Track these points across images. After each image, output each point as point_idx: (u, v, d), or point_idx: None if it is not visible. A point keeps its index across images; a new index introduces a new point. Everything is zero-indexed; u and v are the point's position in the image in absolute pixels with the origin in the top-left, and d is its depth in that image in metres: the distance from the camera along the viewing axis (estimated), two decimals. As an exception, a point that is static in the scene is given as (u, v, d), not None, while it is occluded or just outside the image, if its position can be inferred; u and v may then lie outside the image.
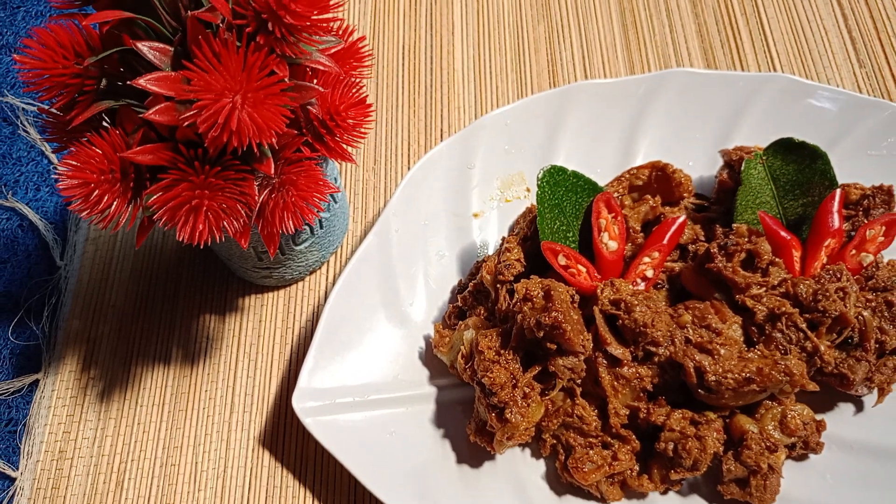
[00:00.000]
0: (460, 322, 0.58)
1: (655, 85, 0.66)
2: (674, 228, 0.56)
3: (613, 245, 0.56)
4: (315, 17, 0.43)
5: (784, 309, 0.52)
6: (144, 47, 0.44)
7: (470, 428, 0.54)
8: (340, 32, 0.52)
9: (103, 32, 0.45)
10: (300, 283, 0.66)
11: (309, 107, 0.48)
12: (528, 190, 0.65)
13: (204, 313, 0.66)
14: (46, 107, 0.47)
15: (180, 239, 0.44)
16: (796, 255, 0.56)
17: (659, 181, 0.60)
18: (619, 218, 0.57)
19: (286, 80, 0.43)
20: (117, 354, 0.64)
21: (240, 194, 0.45)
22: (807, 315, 0.52)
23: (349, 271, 0.59)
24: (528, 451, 0.56)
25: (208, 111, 0.40)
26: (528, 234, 0.57)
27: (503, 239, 0.58)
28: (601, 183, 0.63)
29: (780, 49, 0.74)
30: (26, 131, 0.74)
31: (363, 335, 0.59)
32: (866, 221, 0.57)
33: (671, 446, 0.52)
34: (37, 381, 0.64)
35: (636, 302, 0.52)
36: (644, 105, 0.66)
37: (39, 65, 0.44)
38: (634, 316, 0.51)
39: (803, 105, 0.64)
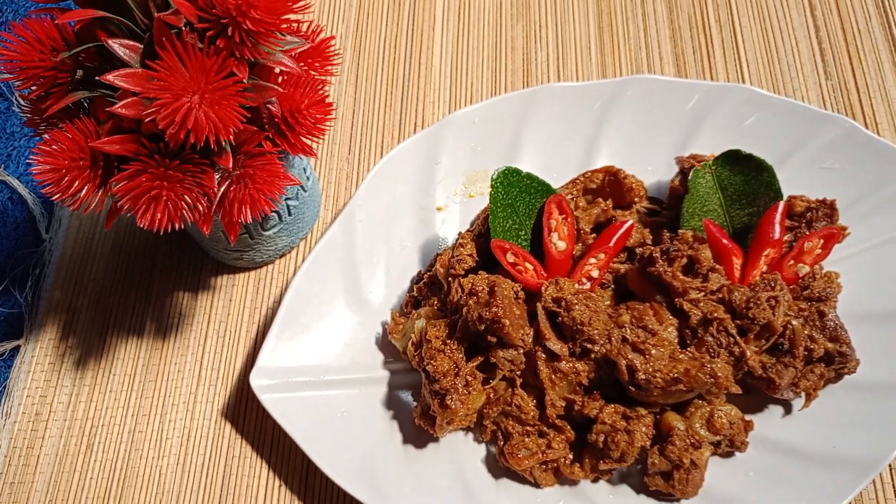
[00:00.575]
0: (414, 311, 0.61)
1: (620, 90, 0.68)
2: (621, 232, 0.59)
3: (562, 245, 0.59)
4: (275, 21, 0.46)
5: (716, 314, 0.55)
6: (115, 44, 0.47)
7: (416, 411, 0.58)
8: (308, 32, 0.55)
9: (77, 28, 0.48)
10: (270, 266, 0.70)
11: (269, 105, 0.51)
12: (492, 186, 0.68)
13: (178, 290, 0.69)
14: (27, 94, 0.51)
15: (141, 225, 0.47)
16: (737, 262, 0.58)
17: (612, 185, 0.63)
18: (569, 219, 0.59)
19: (245, 81, 0.46)
20: (94, 325, 0.68)
21: (198, 186, 0.48)
22: (738, 321, 0.55)
23: (312, 258, 0.62)
24: (470, 435, 0.60)
25: (166, 109, 0.43)
26: (482, 231, 0.60)
27: (459, 234, 0.61)
28: (562, 184, 0.65)
29: (749, 58, 0.76)
30: (20, 107, 0.77)
31: (323, 319, 0.62)
32: (808, 233, 0.59)
33: (602, 438, 0.55)
34: (18, 347, 0.68)
35: (576, 301, 0.55)
36: (608, 109, 0.68)
37: (16, 56, 0.47)
38: (573, 314, 0.54)
39: (762, 116, 0.66)
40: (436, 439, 0.59)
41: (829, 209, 0.60)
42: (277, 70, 0.52)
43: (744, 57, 0.76)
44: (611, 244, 0.58)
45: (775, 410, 0.59)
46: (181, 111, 0.44)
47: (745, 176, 0.60)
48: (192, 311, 0.68)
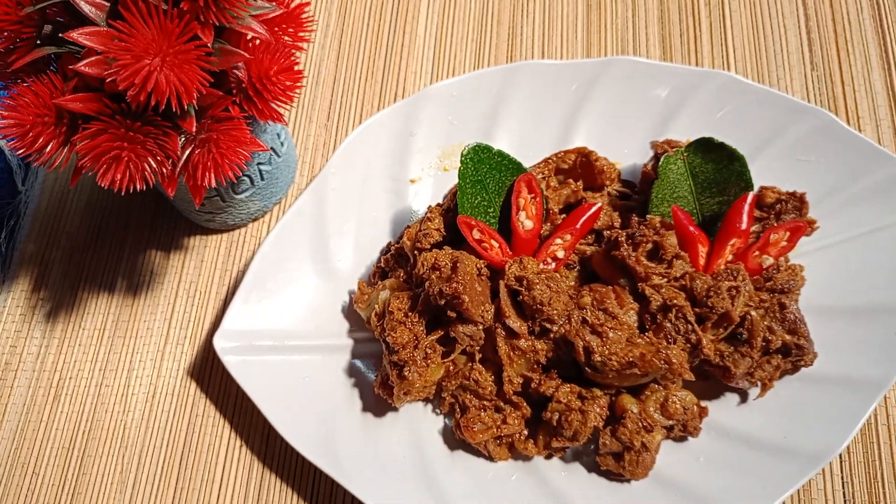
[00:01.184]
0: (380, 282, 0.61)
1: (601, 70, 0.67)
2: (588, 214, 0.59)
3: (529, 224, 0.59)
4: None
5: (676, 301, 0.55)
6: (81, 1, 0.47)
7: (376, 381, 0.59)
8: (281, -2, 0.54)
9: (44, -18, 0.48)
10: (243, 230, 0.70)
11: (236, 70, 0.51)
12: (468, 161, 0.68)
13: (150, 249, 0.69)
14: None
15: (101, 184, 0.47)
16: (703, 250, 0.58)
17: (583, 167, 0.63)
18: (538, 199, 0.59)
19: (209, 45, 0.46)
20: (67, 279, 0.69)
21: (161, 148, 0.48)
22: (697, 309, 0.55)
23: (282, 224, 0.62)
24: (429, 407, 0.60)
25: (127, 70, 0.43)
26: (451, 206, 0.60)
27: (428, 208, 0.61)
28: (536, 163, 0.65)
29: (737, 44, 0.75)
30: (2, 56, 0.77)
31: (290, 285, 0.62)
32: (775, 225, 0.60)
33: (556, 416, 0.56)
34: (-10, 297, 0.68)
35: (538, 281, 0.55)
36: (588, 89, 0.68)
37: (-22, 8, 0.46)
38: (534, 293, 0.55)
39: (741, 103, 0.66)
40: (395, 409, 0.60)
41: (798, 202, 0.60)
42: (249, 36, 0.51)
43: (731, 43, 0.75)
44: (578, 226, 0.59)
45: (731, 398, 0.60)
46: (142, 73, 0.43)
47: (717, 164, 0.60)
48: (163, 269, 0.69)
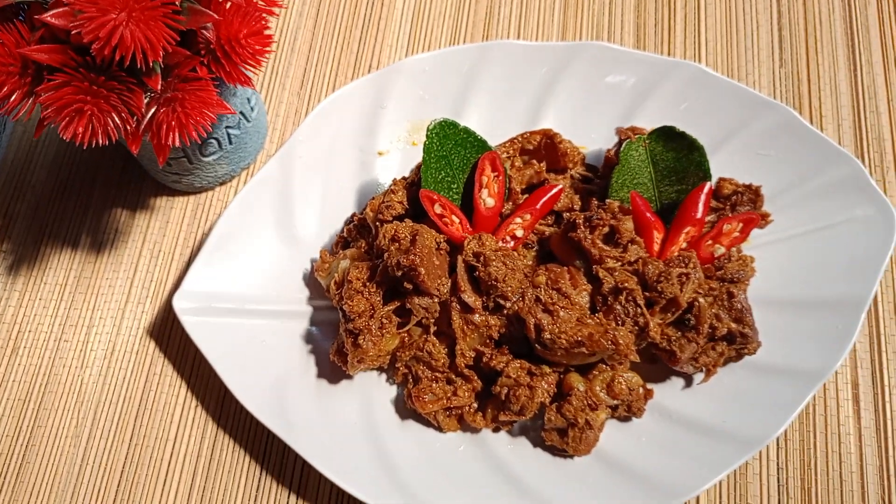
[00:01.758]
0: (342, 251, 0.62)
1: (572, 55, 0.68)
2: (549, 195, 0.60)
3: (491, 202, 0.60)
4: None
5: (627, 284, 0.56)
6: (50, -49, 0.47)
7: (332, 348, 0.60)
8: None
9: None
10: (210, 193, 0.70)
11: (204, 31, 0.51)
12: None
13: (116, 207, 0.70)
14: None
15: (63, 137, 0.47)
16: (658, 236, 0.60)
17: (548, 148, 0.64)
18: (500, 177, 0.60)
19: (176, 3, 0.46)
20: (30, 233, 0.69)
21: (125, 104, 0.48)
22: (647, 293, 0.57)
23: (247, 189, 0.63)
24: (383, 376, 0.62)
25: (92, 23, 0.43)
26: (415, 180, 0.61)
27: (393, 181, 0.61)
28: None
29: (709, 36, 0.76)
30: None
31: (252, 249, 0.63)
32: (730, 216, 0.61)
33: (505, 391, 0.57)
34: (-49, 246, 0.68)
35: (494, 258, 0.56)
36: (559, 72, 0.68)
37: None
38: (489, 269, 0.56)
39: (707, 95, 0.67)
40: (349, 377, 0.61)
41: (753, 194, 0.62)
42: (219, -4, 0.51)
43: (703, 35, 0.76)
44: (538, 206, 0.60)
45: (677, 383, 0.61)
46: (107, 27, 0.44)
47: (677, 153, 0.61)
48: (128, 228, 0.69)
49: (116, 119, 0.48)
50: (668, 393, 0.61)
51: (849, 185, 0.64)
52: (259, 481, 0.60)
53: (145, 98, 0.50)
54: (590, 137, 0.68)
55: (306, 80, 0.75)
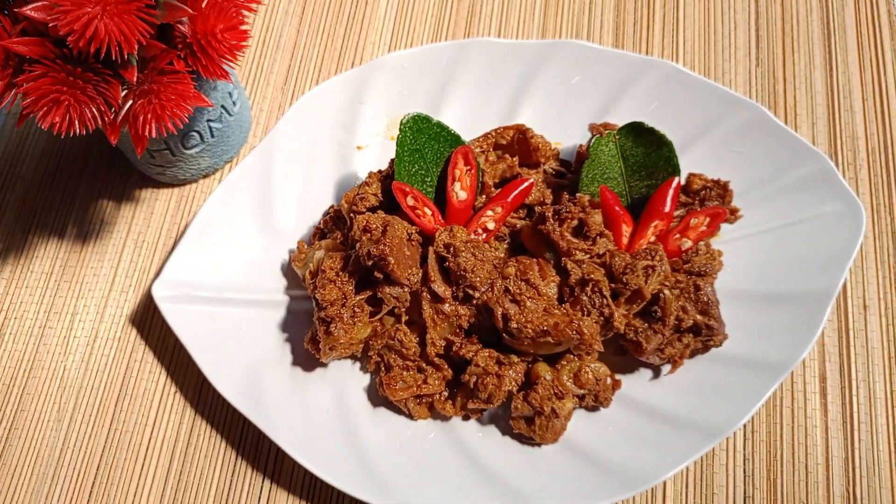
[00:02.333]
0: (317, 241, 0.63)
1: (549, 52, 0.70)
2: (520, 189, 0.61)
3: (463, 195, 0.61)
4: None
5: (594, 276, 0.58)
6: (29, -53, 0.48)
7: (307, 337, 0.61)
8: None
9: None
10: (194, 185, 0.72)
11: (180, 25, 0.52)
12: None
13: (103, 198, 0.71)
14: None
15: (41, 126, 0.49)
16: (627, 230, 0.61)
17: (520, 143, 0.65)
18: (473, 171, 0.62)
19: (152, -3, 0.48)
20: (18, 222, 0.70)
21: (102, 95, 0.50)
22: (613, 285, 0.58)
23: (227, 181, 0.64)
24: (357, 365, 0.63)
25: (67, 17, 0.45)
26: (389, 172, 0.62)
27: (369, 173, 0.63)
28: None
29: (688, 36, 0.77)
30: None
31: (231, 239, 0.65)
32: (698, 210, 0.62)
33: (474, 379, 0.58)
34: (-59, 235, 0.70)
35: (463, 249, 0.57)
36: (535, 70, 0.70)
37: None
38: (459, 260, 0.57)
39: (681, 93, 0.68)
40: (324, 365, 0.62)
41: (722, 190, 0.63)
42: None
43: (682, 35, 0.77)
44: (508, 199, 0.61)
45: (646, 374, 0.62)
46: (82, 20, 0.45)
47: (647, 149, 0.62)
48: (113, 219, 0.71)
49: (93, 109, 0.50)
50: (636, 384, 0.62)
51: (818, 181, 0.65)
52: (235, 466, 0.62)
53: (122, 90, 0.51)
54: (565, 133, 0.69)
55: (290, 76, 0.76)
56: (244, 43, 0.55)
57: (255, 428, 0.63)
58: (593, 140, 0.62)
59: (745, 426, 0.62)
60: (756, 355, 0.60)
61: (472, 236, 0.60)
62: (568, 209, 0.59)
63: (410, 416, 0.61)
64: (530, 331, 0.56)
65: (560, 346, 0.57)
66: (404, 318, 0.60)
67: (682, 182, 0.64)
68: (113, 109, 0.51)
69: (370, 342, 0.60)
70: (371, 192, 0.61)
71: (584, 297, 0.58)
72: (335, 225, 0.64)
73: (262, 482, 0.61)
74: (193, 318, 0.61)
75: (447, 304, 0.58)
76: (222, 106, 0.65)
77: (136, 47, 0.48)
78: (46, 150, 0.73)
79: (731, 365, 0.60)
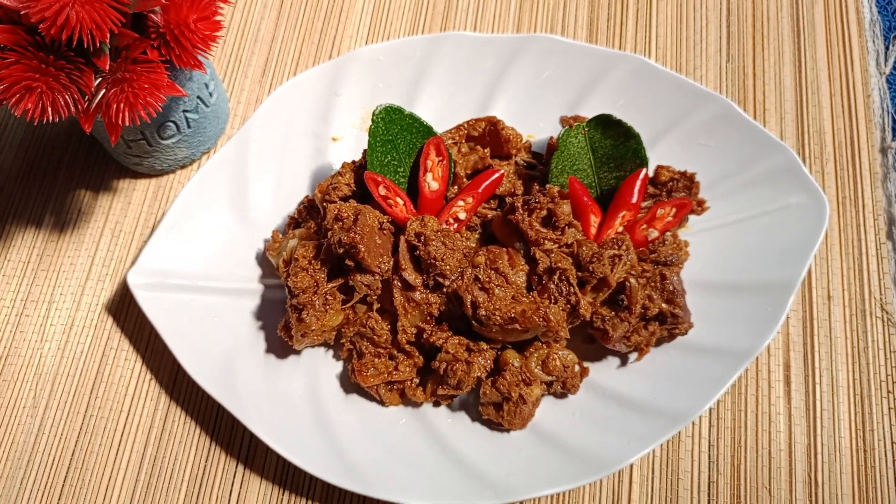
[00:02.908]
0: (292, 231, 0.64)
1: (521, 47, 0.71)
2: (490, 179, 0.62)
3: (435, 185, 0.62)
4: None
5: (561, 264, 0.59)
6: (3, -64, 0.49)
7: (280, 324, 0.62)
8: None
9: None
10: (171, 175, 0.73)
11: (153, 14, 0.53)
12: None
13: (81, 188, 0.72)
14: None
15: (14, 113, 0.50)
16: (595, 220, 0.62)
17: (492, 135, 0.66)
18: (444, 162, 0.63)
19: (123, -14, 0.49)
20: (-5, 211, 0.71)
21: (75, 83, 0.51)
22: (580, 273, 0.59)
23: (203, 170, 0.65)
24: (330, 352, 0.64)
25: (39, 4, 0.46)
26: (363, 163, 0.63)
27: (343, 164, 0.64)
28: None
29: (660, 31, 0.79)
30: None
31: (207, 228, 0.65)
32: (665, 201, 0.63)
33: (443, 366, 0.59)
34: (-82, 223, 0.70)
35: (433, 238, 0.58)
36: (509, 64, 0.71)
37: None
38: (429, 249, 0.58)
39: (651, 87, 0.70)
40: (297, 353, 0.63)
41: (688, 181, 0.64)
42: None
43: (654, 31, 0.79)
44: (479, 190, 0.62)
45: (613, 362, 0.64)
46: (53, 7, 0.46)
47: (615, 141, 0.63)
48: (91, 208, 0.71)
49: (66, 97, 0.51)
50: (603, 371, 0.63)
51: (784, 173, 0.66)
52: (209, 452, 0.63)
53: (96, 78, 0.52)
54: (538, 126, 0.70)
55: (268, 68, 0.77)
56: (217, 33, 0.56)
57: (229, 414, 0.63)
58: (563, 132, 0.63)
59: (710, 413, 0.63)
60: (720, 343, 0.61)
61: (444, 226, 0.61)
62: (537, 199, 0.60)
63: (382, 403, 0.62)
64: (498, 318, 0.57)
65: (528, 333, 0.58)
66: (376, 305, 0.61)
67: (651, 174, 0.66)
68: (86, 97, 0.52)
69: (342, 329, 0.61)
70: (344, 182, 0.62)
71: (552, 286, 0.59)
72: (309, 214, 0.65)
73: (236, 467, 0.62)
74: (168, 305, 0.62)
75: (418, 293, 0.59)
76: (198, 97, 0.66)
77: (109, 36, 0.49)
78: (26, 138, 0.74)
79: (696, 353, 0.62)
